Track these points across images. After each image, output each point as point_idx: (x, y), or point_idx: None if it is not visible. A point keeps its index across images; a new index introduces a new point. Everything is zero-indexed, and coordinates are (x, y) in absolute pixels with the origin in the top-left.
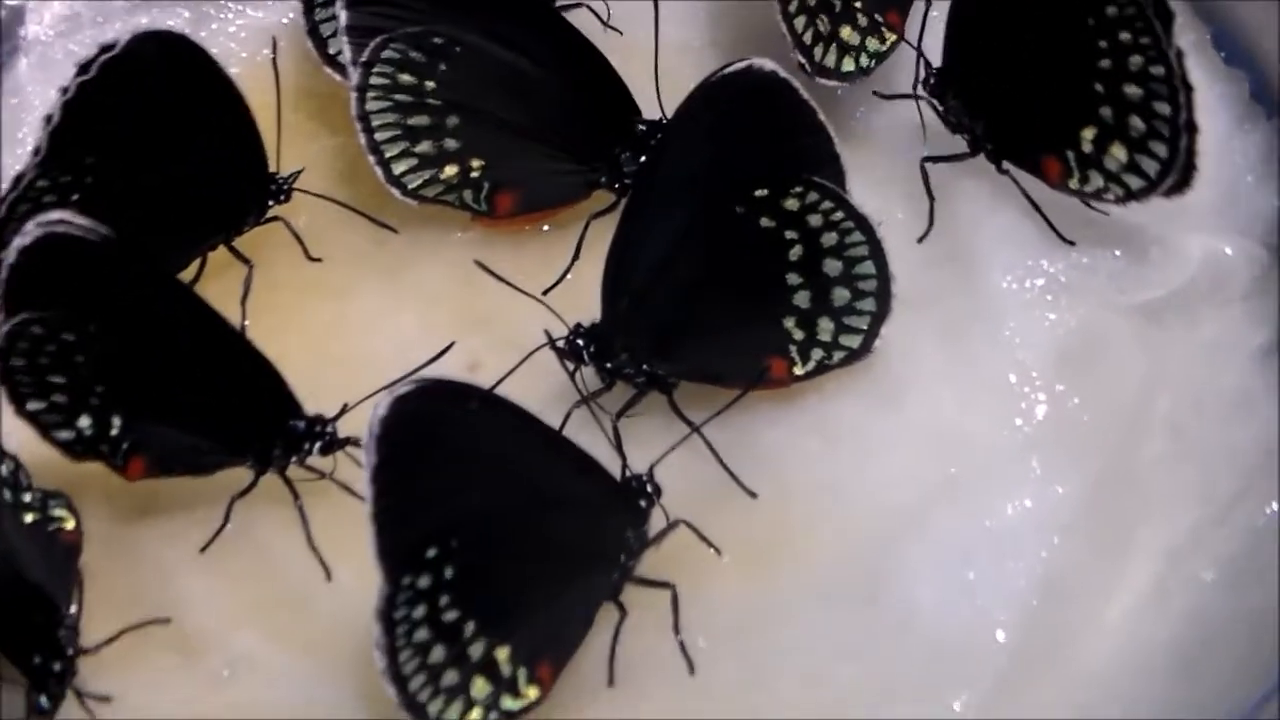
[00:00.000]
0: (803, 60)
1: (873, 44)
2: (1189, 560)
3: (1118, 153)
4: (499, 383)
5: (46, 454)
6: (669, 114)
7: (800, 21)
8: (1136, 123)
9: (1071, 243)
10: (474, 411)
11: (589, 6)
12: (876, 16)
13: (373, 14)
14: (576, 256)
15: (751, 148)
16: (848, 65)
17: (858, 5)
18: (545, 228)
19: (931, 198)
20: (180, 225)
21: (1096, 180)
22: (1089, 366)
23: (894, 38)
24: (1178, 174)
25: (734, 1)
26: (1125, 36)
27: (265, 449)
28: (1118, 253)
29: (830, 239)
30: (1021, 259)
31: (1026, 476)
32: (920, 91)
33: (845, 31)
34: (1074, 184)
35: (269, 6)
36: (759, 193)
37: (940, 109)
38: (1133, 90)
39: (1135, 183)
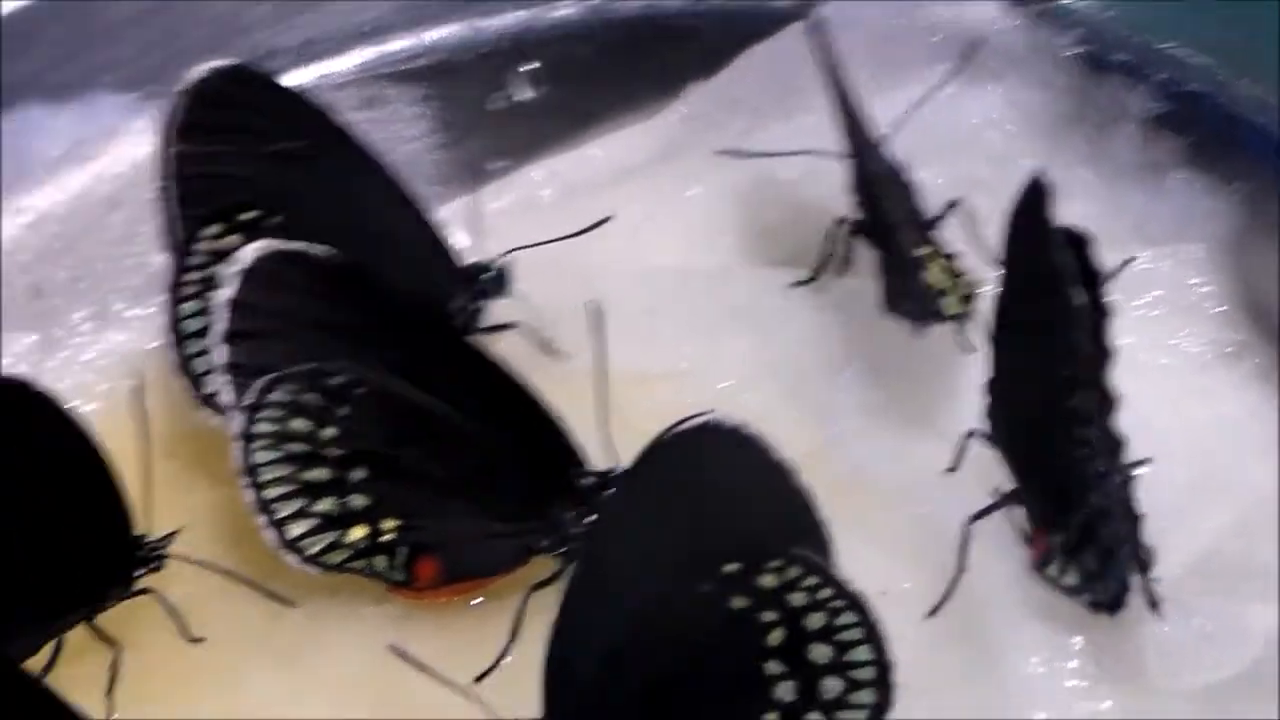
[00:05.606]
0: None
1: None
2: None
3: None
4: None
5: None
6: (622, 463)
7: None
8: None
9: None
10: None
11: (528, 329)
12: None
13: (256, 349)
14: (514, 637)
15: (717, 515)
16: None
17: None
18: (477, 600)
19: (962, 567)
20: (26, 601)
21: (1071, 576)
22: None
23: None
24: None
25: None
26: None
27: None
28: (1167, 628)
29: (817, 620)
30: (1049, 636)
31: None
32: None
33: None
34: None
35: (132, 326)
36: (729, 568)
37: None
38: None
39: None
